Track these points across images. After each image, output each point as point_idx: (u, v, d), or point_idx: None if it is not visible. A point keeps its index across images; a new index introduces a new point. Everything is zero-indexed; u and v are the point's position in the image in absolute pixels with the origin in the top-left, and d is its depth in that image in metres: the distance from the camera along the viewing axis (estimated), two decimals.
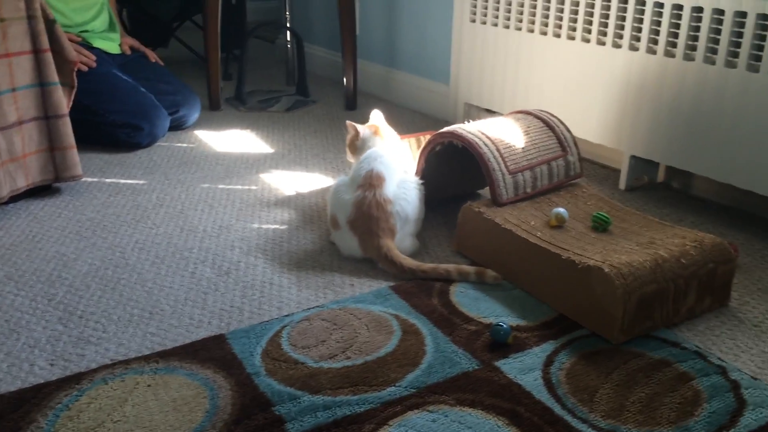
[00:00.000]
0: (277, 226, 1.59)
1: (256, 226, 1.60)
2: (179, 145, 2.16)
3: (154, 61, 2.39)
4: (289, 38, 2.90)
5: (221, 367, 1.08)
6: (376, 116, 1.67)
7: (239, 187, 1.83)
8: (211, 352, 1.12)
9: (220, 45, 2.53)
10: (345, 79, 2.57)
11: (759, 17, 1.47)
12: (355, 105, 2.59)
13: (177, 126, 2.29)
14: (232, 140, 2.21)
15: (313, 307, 1.26)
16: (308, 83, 2.79)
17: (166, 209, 1.68)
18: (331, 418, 0.97)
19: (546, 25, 1.95)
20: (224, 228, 1.58)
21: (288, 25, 2.88)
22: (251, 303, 1.27)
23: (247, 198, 1.75)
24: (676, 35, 1.64)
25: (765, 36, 1.47)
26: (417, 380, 1.05)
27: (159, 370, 1.07)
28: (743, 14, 1.50)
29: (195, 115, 2.34)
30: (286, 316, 1.23)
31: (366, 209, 1.39)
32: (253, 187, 1.82)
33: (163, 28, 3.23)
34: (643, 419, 0.97)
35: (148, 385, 1.04)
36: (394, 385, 1.04)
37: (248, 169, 1.96)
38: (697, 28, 1.60)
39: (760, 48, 1.48)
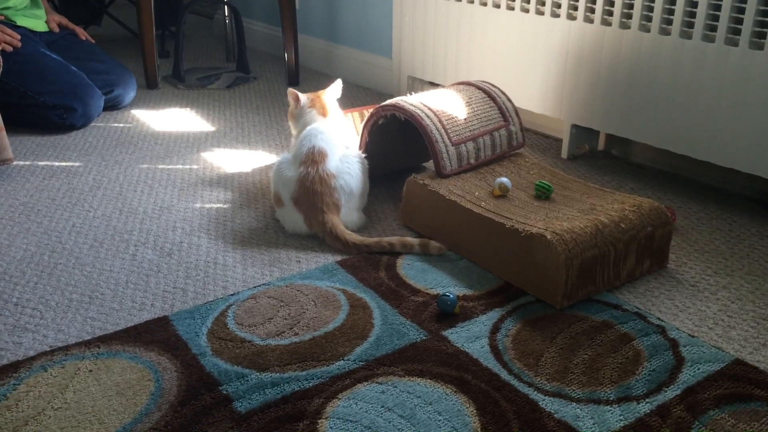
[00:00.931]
0: (220, 205, 1.56)
1: (198, 205, 1.56)
2: (115, 125, 2.09)
3: (84, 39, 2.30)
4: (227, 13, 2.83)
5: (166, 349, 1.06)
6: (334, 87, 1.63)
7: (180, 166, 1.78)
8: (155, 335, 1.09)
9: (156, 21, 2.45)
10: (286, 55, 2.53)
11: None
12: (297, 80, 2.55)
13: (112, 106, 2.21)
14: (171, 119, 2.15)
15: (259, 285, 1.24)
16: (248, 59, 2.73)
17: (103, 191, 1.63)
18: (280, 394, 0.96)
19: None
20: (165, 209, 1.54)
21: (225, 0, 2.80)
22: (195, 283, 1.25)
23: (188, 177, 1.71)
24: (612, 3, 1.66)
25: (696, 3, 1.50)
26: (365, 353, 1.05)
27: (101, 355, 1.04)
28: None
29: (131, 95, 2.26)
30: (232, 295, 1.21)
31: (309, 185, 1.38)
32: (195, 167, 1.78)
33: (94, 5, 3.10)
34: (587, 380, 1.00)
35: (90, 371, 1.01)
36: (342, 359, 1.04)
37: (189, 148, 1.91)
38: None
39: (692, 15, 1.52)
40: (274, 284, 1.24)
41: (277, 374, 1.00)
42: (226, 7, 2.81)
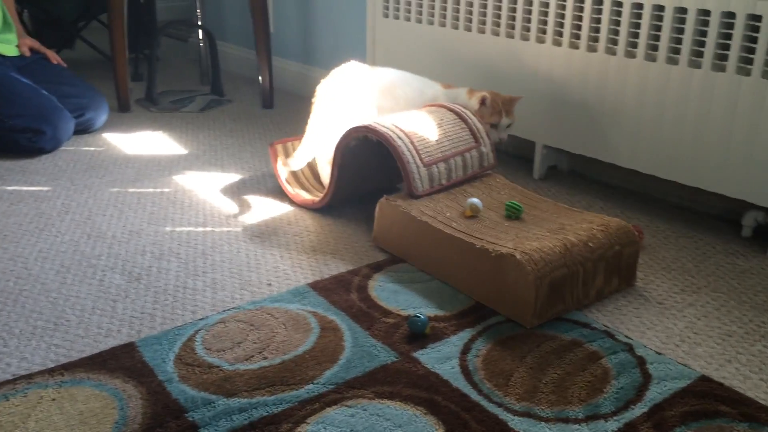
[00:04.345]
0: (191, 228, 1.55)
1: (168, 229, 1.55)
2: (86, 148, 2.07)
3: (56, 62, 2.29)
4: (201, 37, 2.83)
5: (131, 375, 1.04)
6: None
7: (151, 190, 1.77)
8: (121, 361, 1.07)
9: (130, 45, 2.45)
10: (260, 78, 2.54)
11: (655, 8, 1.53)
12: (272, 103, 2.56)
13: (84, 130, 2.19)
14: (143, 142, 2.14)
15: (228, 309, 1.23)
16: (223, 82, 2.73)
17: (72, 216, 1.61)
18: (247, 420, 0.95)
19: (457, 19, 1.98)
20: (135, 233, 1.53)
21: (200, 23, 2.81)
22: (164, 308, 1.23)
23: (159, 201, 1.70)
24: (579, 28, 1.70)
25: (660, 27, 1.54)
26: (335, 376, 1.05)
27: (64, 383, 1.02)
28: (640, 6, 1.56)
29: (102, 118, 2.25)
30: (201, 319, 1.20)
31: None
32: (166, 190, 1.77)
33: (67, 28, 3.09)
34: (556, 399, 1.00)
35: (53, 399, 0.99)
36: (312, 383, 1.03)
37: (160, 171, 1.90)
38: (599, 20, 1.65)
39: (657, 38, 1.55)
40: (244, 308, 1.23)
41: (245, 400, 0.99)
42: (200, 30, 2.81)
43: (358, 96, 1.68)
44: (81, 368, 1.06)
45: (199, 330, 1.16)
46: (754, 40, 1.39)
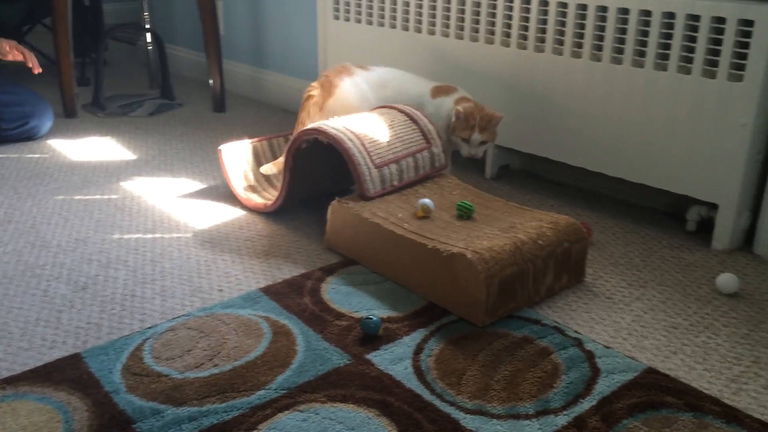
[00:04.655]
0: (139, 235, 1.52)
1: (116, 236, 1.52)
2: (30, 156, 2.02)
3: (34, 69, 2.05)
4: (149, 40, 2.78)
5: (76, 387, 1.01)
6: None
7: (98, 197, 1.73)
8: (66, 373, 1.05)
9: (76, 49, 2.39)
10: (211, 81, 2.50)
11: (598, 9, 1.56)
12: (223, 107, 2.53)
13: (28, 137, 2.13)
14: (90, 148, 2.09)
15: (178, 317, 1.21)
16: (173, 86, 2.68)
17: (15, 225, 1.56)
18: (197, 429, 0.93)
19: (407, 21, 1.99)
20: (81, 241, 1.49)
21: (147, 26, 2.76)
22: (111, 318, 1.21)
23: (106, 208, 1.66)
24: (526, 28, 1.72)
25: (604, 27, 1.57)
26: (287, 381, 1.04)
27: (6, 398, 0.99)
28: (584, 6, 1.59)
29: (47, 125, 2.19)
30: (149, 328, 1.17)
31: None
32: (114, 196, 1.73)
33: (10, 33, 2.99)
34: (507, 396, 1.01)
35: None
36: (263, 389, 1.02)
37: (108, 177, 1.86)
38: (545, 21, 1.68)
39: (601, 39, 1.58)
40: (195, 315, 1.21)
41: (195, 408, 0.97)
42: (148, 33, 2.76)
43: (353, 96, 1.69)
44: (24, 382, 1.02)
45: (148, 339, 1.14)
46: (694, 39, 1.43)
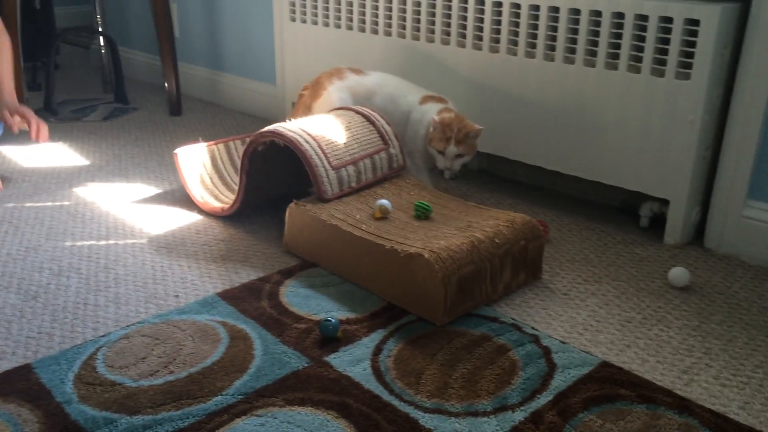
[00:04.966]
0: (93, 242, 1.49)
1: (68, 244, 1.48)
2: None
3: (39, 139, 1.72)
4: (102, 43, 2.73)
5: (27, 399, 0.98)
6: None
7: (49, 203, 1.69)
8: (16, 385, 1.02)
9: (27, 53, 2.33)
10: (167, 84, 2.47)
11: (551, 9, 1.59)
12: (179, 110, 2.49)
13: None
14: (42, 154, 2.04)
15: (132, 324, 1.18)
16: (127, 90, 2.64)
17: None
18: None
19: (363, 22, 1.99)
20: (31, 249, 1.45)
21: (100, 29, 2.71)
22: (62, 327, 1.18)
23: (58, 215, 1.62)
24: (481, 29, 1.73)
25: (557, 27, 1.59)
26: (245, 386, 1.03)
27: None
28: (537, 7, 1.61)
29: None
30: (102, 336, 1.15)
31: None
32: (66, 203, 1.69)
33: None
34: (465, 394, 1.01)
35: None
36: (220, 394, 1.01)
37: (60, 184, 1.82)
38: (499, 22, 1.70)
39: (554, 39, 1.60)
40: (149, 322, 1.19)
41: (150, 416, 0.96)
42: (101, 36, 2.71)
43: (336, 100, 1.69)
44: None
45: (101, 347, 1.11)
46: (643, 39, 1.46)
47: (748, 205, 1.44)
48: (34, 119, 1.70)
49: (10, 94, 1.74)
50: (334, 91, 1.70)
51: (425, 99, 1.68)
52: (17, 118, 1.69)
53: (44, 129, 1.71)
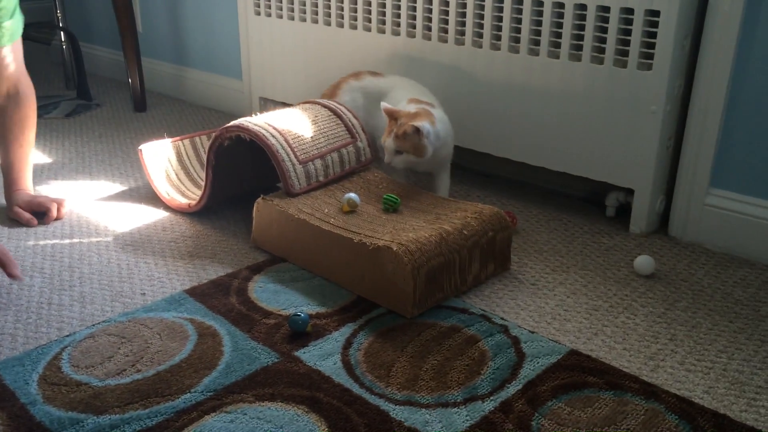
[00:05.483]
0: (56, 241, 1.46)
1: (31, 243, 1.45)
2: None
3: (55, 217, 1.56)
4: (64, 39, 2.67)
5: None
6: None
7: None
8: None
9: None
10: (130, 80, 2.43)
11: (515, 2, 1.60)
12: (144, 106, 2.45)
13: None
14: None
15: (98, 323, 1.16)
16: (90, 86, 2.59)
17: None
18: None
19: (329, 16, 1.98)
20: None
21: (61, 24, 2.65)
22: (26, 327, 1.15)
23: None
24: (446, 22, 1.74)
25: (521, 19, 1.60)
26: (214, 382, 1.02)
27: None
28: (518, 1, 1.62)
29: None
30: (68, 336, 1.13)
31: None
32: None
33: None
34: (436, 385, 1.02)
35: None
36: (189, 392, 1.00)
37: None
38: (464, 14, 1.70)
39: (518, 31, 1.61)
40: (116, 320, 1.17)
41: (117, 416, 0.94)
42: (62, 32, 2.65)
43: (346, 101, 1.70)
44: None
45: (66, 347, 1.09)
46: (605, 30, 1.48)
47: (710, 193, 1.47)
48: (53, 205, 1.56)
49: (25, 189, 1.59)
50: (346, 91, 1.74)
51: (410, 101, 1.63)
52: (27, 215, 1.53)
53: (63, 210, 1.57)
